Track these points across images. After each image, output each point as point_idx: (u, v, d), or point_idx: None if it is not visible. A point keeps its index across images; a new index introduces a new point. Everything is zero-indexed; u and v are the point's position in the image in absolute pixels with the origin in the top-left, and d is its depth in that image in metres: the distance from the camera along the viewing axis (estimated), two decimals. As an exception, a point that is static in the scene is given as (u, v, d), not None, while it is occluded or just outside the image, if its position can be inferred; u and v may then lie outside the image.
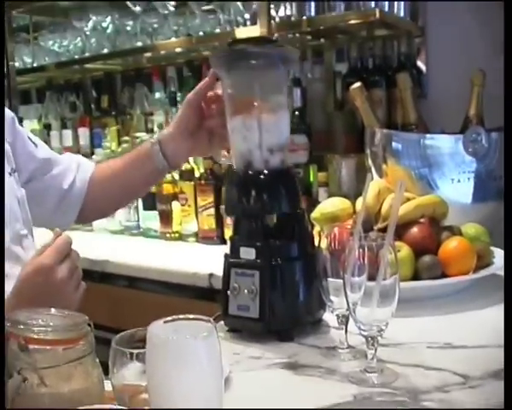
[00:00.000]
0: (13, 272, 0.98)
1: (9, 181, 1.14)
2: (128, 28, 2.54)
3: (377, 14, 1.84)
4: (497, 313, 1.05)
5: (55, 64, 2.75)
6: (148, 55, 2.50)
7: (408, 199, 1.31)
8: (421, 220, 1.29)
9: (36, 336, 0.70)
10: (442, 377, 0.85)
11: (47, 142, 2.37)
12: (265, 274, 1.03)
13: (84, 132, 2.71)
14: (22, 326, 0.71)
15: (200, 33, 2.30)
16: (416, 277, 1.21)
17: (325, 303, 0.99)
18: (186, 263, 1.87)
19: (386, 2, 1.98)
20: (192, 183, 2.15)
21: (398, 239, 1.20)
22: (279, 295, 1.03)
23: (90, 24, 2.62)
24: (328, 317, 1.06)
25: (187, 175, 2.16)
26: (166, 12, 2.40)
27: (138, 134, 2.46)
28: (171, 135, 1.22)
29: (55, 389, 0.70)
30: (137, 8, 2.46)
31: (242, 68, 1.06)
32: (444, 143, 1.55)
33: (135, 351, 0.69)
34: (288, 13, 2.07)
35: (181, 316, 0.67)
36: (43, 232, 1.16)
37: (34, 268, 0.93)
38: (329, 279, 0.95)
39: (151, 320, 0.66)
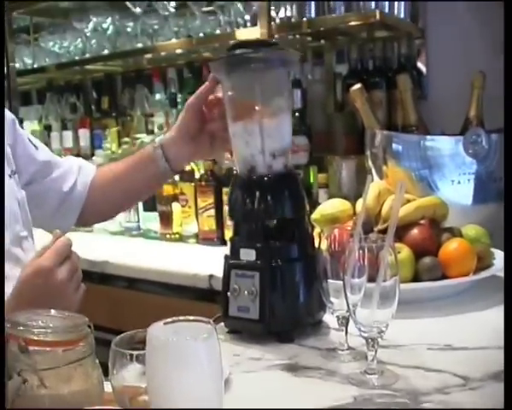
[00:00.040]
0: (13, 273, 0.98)
1: (10, 183, 1.14)
2: (128, 29, 2.54)
3: (377, 16, 1.84)
4: (497, 314, 1.05)
5: (56, 65, 2.75)
6: (149, 56, 2.49)
7: (408, 200, 1.31)
8: (422, 222, 1.29)
9: (36, 338, 0.70)
10: (442, 379, 0.85)
11: (47, 143, 2.38)
12: (265, 275, 1.03)
13: (84, 134, 2.71)
14: (22, 328, 0.71)
15: (201, 34, 2.30)
16: (416, 278, 1.20)
17: (325, 305, 0.99)
18: (186, 264, 1.87)
19: (387, 4, 1.98)
20: (192, 184, 2.15)
21: (398, 241, 1.20)
22: (279, 296, 1.03)
23: (91, 25, 2.62)
24: (329, 318, 1.06)
25: (187, 176, 2.16)
26: (167, 13, 2.39)
27: (138, 135, 2.46)
28: (173, 139, 1.23)
29: (54, 390, 0.70)
30: (138, 10, 2.45)
31: (242, 72, 1.06)
32: (444, 145, 1.54)
33: (135, 352, 0.69)
34: (289, 14, 2.07)
35: (181, 317, 0.67)
36: (43, 234, 1.16)
37: (34, 270, 0.93)
38: (329, 281, 0.95)
39: (151, 322, 0.66)
